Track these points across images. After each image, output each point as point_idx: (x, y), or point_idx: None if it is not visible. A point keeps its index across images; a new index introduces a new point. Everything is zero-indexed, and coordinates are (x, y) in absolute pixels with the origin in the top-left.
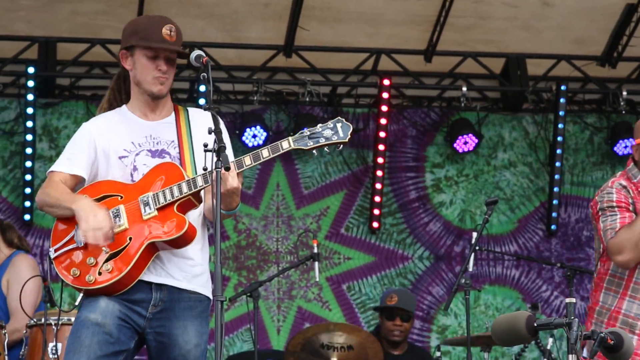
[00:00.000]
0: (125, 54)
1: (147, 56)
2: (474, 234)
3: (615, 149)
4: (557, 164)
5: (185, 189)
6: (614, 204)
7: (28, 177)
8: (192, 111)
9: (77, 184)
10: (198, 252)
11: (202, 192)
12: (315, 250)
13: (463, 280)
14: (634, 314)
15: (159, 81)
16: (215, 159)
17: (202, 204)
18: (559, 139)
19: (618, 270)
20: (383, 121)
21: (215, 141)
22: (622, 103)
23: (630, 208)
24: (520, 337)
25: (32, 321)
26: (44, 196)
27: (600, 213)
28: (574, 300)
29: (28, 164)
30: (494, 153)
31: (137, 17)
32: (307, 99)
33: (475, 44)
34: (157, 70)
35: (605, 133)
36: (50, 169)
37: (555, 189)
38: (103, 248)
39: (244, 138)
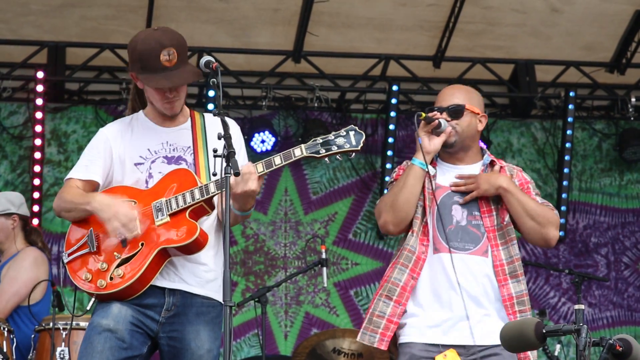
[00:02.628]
0: (134, 75)
1: (152, 87)
2: None
3: (623, 155)
4: (566, 170)
5: (197, 195)
6: (393, 179)
7: (36, 181)
8: (208, 117)
9: (92, 189)
10: (212, 258)
11: (215, 199)
12: (323, 256)
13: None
14: (402, 282)
15: (169, 105)
16: (224, 164)
17: (215, 210)
18: (568, 145)
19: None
20: (391, 127)
21: (225, 147)
22: (630, 109)
23: None
24: (528, 343)
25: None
26: (60, 202)
27: None
28: (582, 306)
29: (37, 168)
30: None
31: (136, 37)
32: (316, 105)
33: (484, 50)
34: (165, 97)
35: (613, 139)
36: (67, 176)
37: (564, 196)
38: (115, 253)
39: (252, 143)
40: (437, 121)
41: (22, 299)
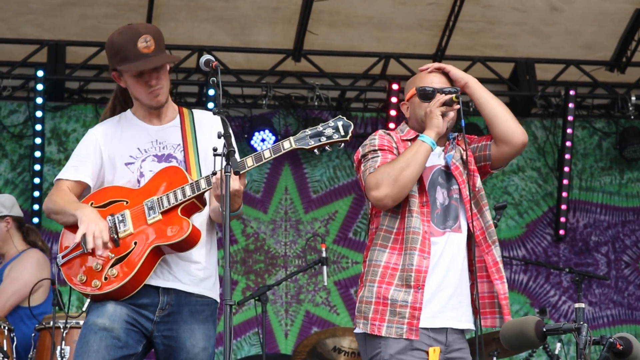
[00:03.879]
0: (115, 75)
1: (134, 76)
2: None
3: (624, 153)
4: (566, 168)
5: (188, 192)
6: (377, 147)
7: (37, 180)
8: (197, 113)
9: (82, 190)
10: (204, 256)
11: (206, 195)
12: (324, 255)
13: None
14: (415, 266)
15: (153, 95)
16: (224, 163)
17: (207, 207)
18: (568, 143)
19: (385, 224)
20: (392, 125)
21: (224, 145)
22: (630, 108)
23: (394, 152)
24: (529, 342)
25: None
26: (50, 203)
27: (362, 160)
28: (583, 305)
29: (37, 167)
30: None
31: (112, 34)
32: (316, 103)
33: (484, 49)
34: (147, 87)
35: (613, 138)
36: (57, 177)
37: (564, 194)
38: (109, 253)
39: (252, 142)
40: (458, 106)
41: (21, 299)
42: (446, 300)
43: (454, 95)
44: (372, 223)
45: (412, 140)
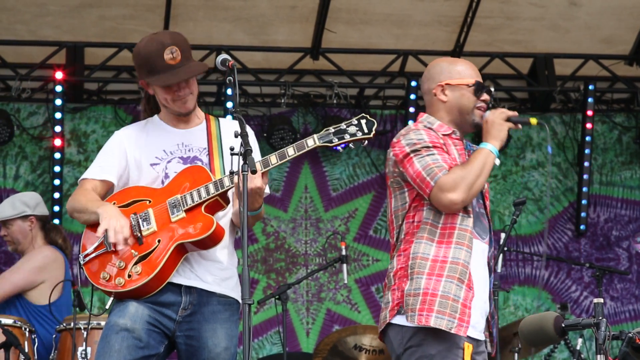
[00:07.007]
0: (144, 83)
1: (162, 87)
2: (503, 235)
3: None
4: (586, 163)
5: (212, 190)
6: (429, 144)
7: (57, 181)
8: (223, 121)
9: (107, 190)
10: (227, 256)
11: (230, 195)
12: (344, 253)
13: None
14: (462, 261)
15: (181, 102)
16: (241, 162)
17: (229, 208)
18: (588, 138)
19: (430, 218)
20: (410, 123)
21: (241, 144)
22: None
23: (444, 149)
24: (548, 337)
25: (61, 325)
26: (73, 202)
27: (413, 154)
28: (602, 300)
29: (57, 168)
30: (522, 153)
31: (138, 45)
32: (335, 101)
33: (502, 45)
34: (176, 95)
35: (633, 132)
36: (82, 177)
37: (584, 189)
38: (132, 251)
39: (271, 141)
40: (520, 127)
41: (17, 290)
42: (481, 312)
43: (536, 122)
44: (410, 217)
45: (449, 135)
